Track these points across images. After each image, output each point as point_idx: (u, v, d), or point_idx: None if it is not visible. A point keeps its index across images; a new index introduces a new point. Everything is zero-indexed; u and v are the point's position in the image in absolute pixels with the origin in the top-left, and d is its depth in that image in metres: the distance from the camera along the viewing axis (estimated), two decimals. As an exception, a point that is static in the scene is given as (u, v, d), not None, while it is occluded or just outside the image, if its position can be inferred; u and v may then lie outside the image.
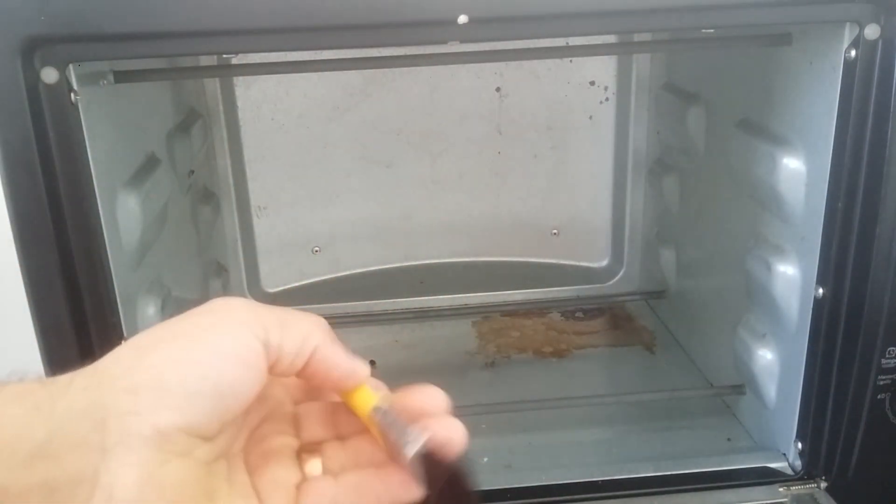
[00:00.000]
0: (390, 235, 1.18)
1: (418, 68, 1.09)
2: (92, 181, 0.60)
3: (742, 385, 0.85)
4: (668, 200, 1.07)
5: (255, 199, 1.14)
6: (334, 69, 0.98)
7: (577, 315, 1.15)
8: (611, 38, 1.04)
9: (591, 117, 1.15)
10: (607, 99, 1.14)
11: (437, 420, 0.35)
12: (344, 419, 0.38)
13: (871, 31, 0.60)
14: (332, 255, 1.19)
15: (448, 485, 0.35)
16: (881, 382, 0.68)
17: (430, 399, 0.36)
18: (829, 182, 0.66)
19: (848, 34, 0.62)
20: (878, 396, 0.69)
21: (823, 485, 0.73)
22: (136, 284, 0.71)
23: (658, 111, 1.09)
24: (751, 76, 0.80)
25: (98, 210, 0.60)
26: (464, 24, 0.56)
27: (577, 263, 1.22)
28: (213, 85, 1.07)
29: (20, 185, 0.56)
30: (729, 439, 0.86)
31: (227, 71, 1.05)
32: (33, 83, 0.55)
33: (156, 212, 0.77)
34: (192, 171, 0.97)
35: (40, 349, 0.60)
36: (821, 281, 0.68)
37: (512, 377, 0.99)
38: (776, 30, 0.70)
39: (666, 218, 1.10)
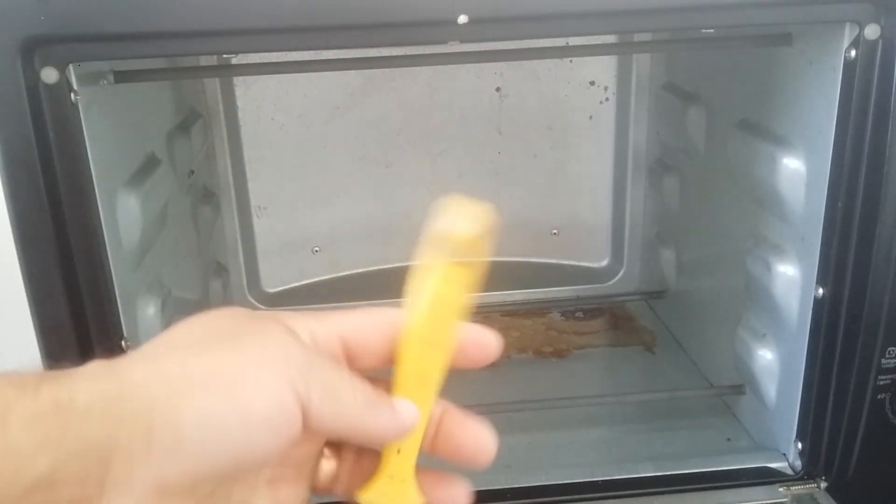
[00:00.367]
0: (390, 235, 1.18)
1: (418, 68, 1.09)
2: (92, 181, 0.60)
3: (742, 385, 0.85)
4: (668, 200, 1.07)
5: (255, 199, 1.14)
6: (334, 69, 0.98)
7: (577, 315, 1.15)
8: (611, 38, 1.04)
9: (591, 117, 1.15)
10: (607, 99, 1.14)
11: None
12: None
13: (871, 31, 0.60)
14: (332, 255, 1.19)
15: None
16: (881, 382, 0.68)
17: None
18: (829, 182, 0.66)
19: (848, 34, 0.62)
20: (878, 396, 0.69)
21: (823, 485, 0.73)
22: (136, 284, 0.71)
23: (658, 111, 1.09)
24: (751, 76, 0.80)
25: (98, 210, 0.60)
26: (464, 24, 0.56)
27: (577, 263, 1.22)
28: (213, 85, 1.07)
29: (20, 185, 0.56)
30: (729, 439, 0.86)
31: (227, 71, 1.05)
32: (33, 83, 0.55)
33: (156, 212, 0.77)
34: (192, 171, 0.97)
35: (40, 349, 0.60)
36: (821, 281, 0.68)
37: (512, 377, 0.99)
38: (776, 30, 0.70)
39: (666, 218, 1.10)
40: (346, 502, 0.37)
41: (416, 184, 1.16)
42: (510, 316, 1.15)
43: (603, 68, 1.12)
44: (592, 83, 1.13)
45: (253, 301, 1.16)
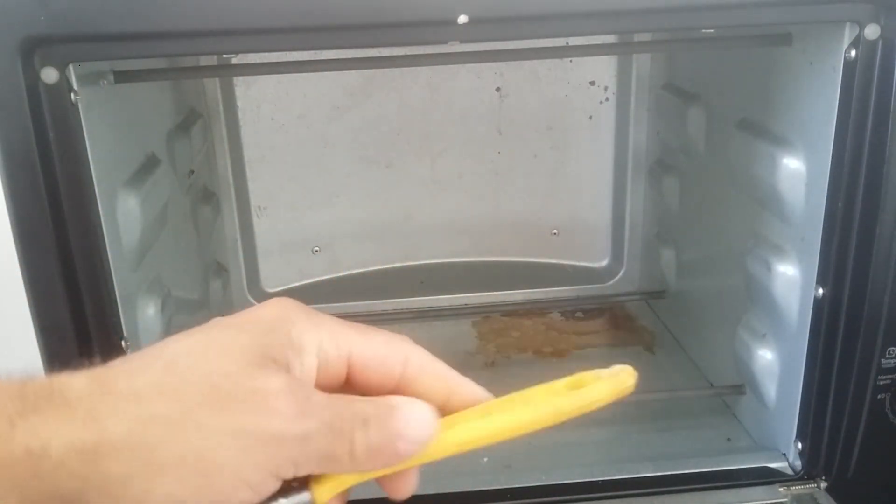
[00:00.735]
0: (390, 235, 1.18)
1: (418, 68, 1.09)
2: (92, 181, 0.60)
3: (742, 385, 0.85)
4: (667, 200, 1.07)
5: (255, 199, 1.14)
6: (334, 69, 0.98)
7: (577, 315, 1.15)
8: (611, 38, 1.04)
9: (591, 117, 1.15)
10: (607, 99, 1.14)
11: None
12: None
13: (871, 31, 0.60)
14: (332, 255, 1.19)
15: None
16: (881, 382, 0.68)
17: None
18: (829, 182, 0.66)
19: (848, 34, 0.62)
20: (878, 396, 0.69)
21: (823, 485, 0.73)
22: (136, 284, 0.71)
23: (658, 111, 1.09)
24: (751, 76, 0.80)
25: (98, 210, 0.60)
26: (464, 24, 0.56)
27: (577, 263, 1.22)
28: (213, 85, 1.07)
29: (20, 185, 0.56)
30: (729, 439, 0.85)
31: (227, 71, 1.05)
32: (33, 83, 0.55)
33: (156, 212, 0.77)
34: (192, 171, 0.97)
35: (40, 349, 0.60)
36: (821, 281, 0.68)
37: (512, 377, 0.99)
38: (776, 30, 0.70)
39: (666, 218, 1.10)
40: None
41: (416, 184, 1.16)
42: (510, 316, 1.15)
43: (603, 68, 1.12)
44: (592, 83, 1.13)
45: (253, 301, 1.16)
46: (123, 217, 0.68)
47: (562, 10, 0.58)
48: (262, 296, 1.17)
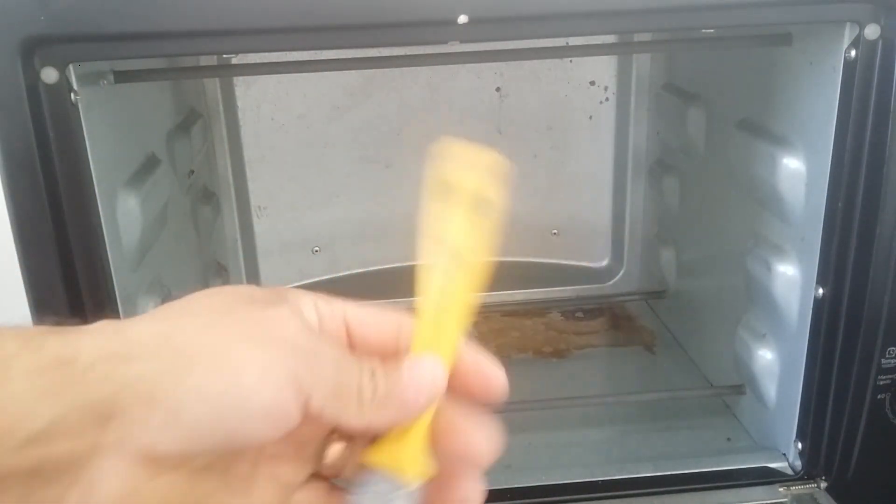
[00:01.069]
0: (390, 235, 1.18)
1: (418, 68, 1.09)
2: (92, 181, 0.60)
3: (742, 385, 0.85)
4: (668, 200, 1.07)
5: (255, 199, 1.14)
6: (334, 69, 0.98)
7: (577, 315, 1.15)
8: (611, 38, 1.04)
9: (591, 117, 1.15)
10: (607, 99, 1.14)
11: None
12: None
13: (871, 31, 0.60)
14: (332, 255, 1.19)
15: None
16: (881, 382, 0.68)
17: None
18: (829, 182, 0.66)
19: (848, 34, 0.62)
20: (878, 396, 0.69)
21: (823, 485, 0.73)
22: (136, 284, 0.71)
23: (658, 111, 1.09)
24: (751, 76, 0.80)
25: (98, 210, 0.60)
26: (464, 24, 0.56)
27: (577, 263, 1.22)
28: (213, 85, 1.07)
29: (20, 185, 0.56)
30: (729, 439, 0.85)
31: (227, 71, 1.05)
32: (33, 83, 0.55)
33: (156, 212, 0.77)
34: (192, 171, 0.97)
35: (40, 349, 0.60)
36: (821, 281, 0.68)
37: (512, 377, 0.98)
38: (776, 30, 0.70)
39: (666, 218, 1.10)
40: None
41: (416, 184, 1.15)
42: (510, 316, 1.15)
43: (603, 68, 1.12)
44: (592, 83, 1.13)
45: (253, 301, 1.16)
46: (123, 217, 0.68)
47: (562, 10, 0.58)
48: (262, 296, 1.17)
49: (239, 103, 1.09)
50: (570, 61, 1.12)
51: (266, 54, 0.75)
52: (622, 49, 1.08)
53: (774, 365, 0.78)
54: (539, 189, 1.18)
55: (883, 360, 0.68)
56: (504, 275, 1.33)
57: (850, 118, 0.63)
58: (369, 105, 1.11)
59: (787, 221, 0.73)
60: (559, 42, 0.82)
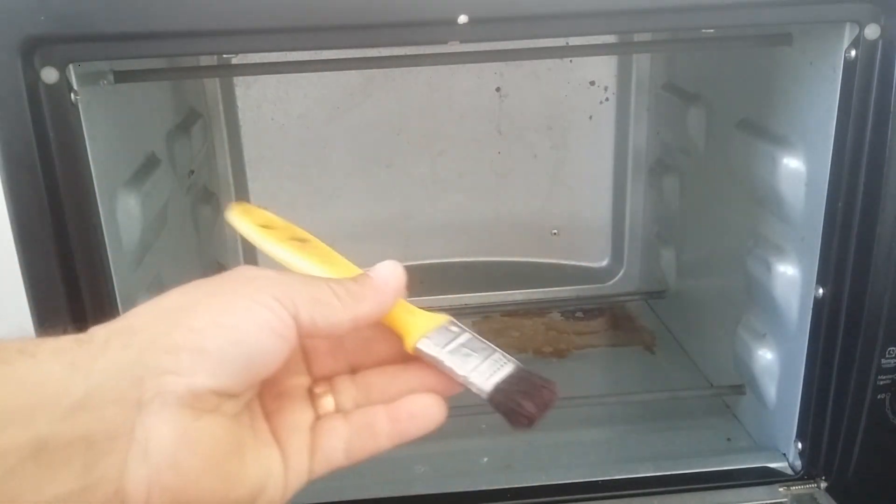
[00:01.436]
0: (390, 235, 1.18)
1: (418, 68, 1.09)
2: (92, 181, 0.60)
3: (742, 385, 0.85)
4: (668, 200, 1.07)
5: (255, 199, 1.14)
6: (334, 69, 0.98)
7: (577, 315, 1.15)
8: (611, 38, 1.04)
9: (591, 117, 1.15)
10: (607, 99, 1.14)
11: None
12: (352, 348, 0.40)
13: (871, 31, 0.60)
14: (332, 255, 1.19)
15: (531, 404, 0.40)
16: (881, 382, 0.68)
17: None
18: (829, 182, 0.66)
19: (848, 34, 0.62)
20: (878, 396, 0.69)
21: (823, 485, 0.73)
22: (136, 284, 0.71)
23: (658, 111, 1.09)
24: (751, 76, 0.80)
25: (98, 210, 0.60)
26: (464, 24, 0.56)
27: (577, 263, 1.22)
28: (213, 85, 1.07)
29: (20, 185, 0.56)
30: (729, 439, 0.86)
31: (227, 71, 1.05)
32: (33, 83, 0.55)
33: (156, 212, 0.77)
34: (192, 171, 0.97)
35: (40, 349, 0.60)
36: (821, 281, 0.68)
37: (512, 377, 0.99)
38: (776, 30, 0.70)
39: (666, 218, 1.10)
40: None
41: (416, 184, 1.16)
42: (510, 316, 1.15)
43: (603, 68, 1.13)
44: (592, 83, 1.13)
45: (253, 301, 1.16)
46: (123, 217, 0.68)
47: (562, 10, 0.58)
48: (262, 296, 1.17)
49: (239, 103, 1.09)
50: (570, 61, 1.12)
51: (266, 54, 0.75)
52: (622, 49, 1.08)
53: (774, 365, 0.78)
54: (539, 189, 1.18)
55: (883, 360, 0.68)
56: (504, 275, 1.33)
57: (850, 118, 0.63)
58: (369, 105, 1.11)
59: (787, 221, 0.73)
60: (559, 42, 0.82)
